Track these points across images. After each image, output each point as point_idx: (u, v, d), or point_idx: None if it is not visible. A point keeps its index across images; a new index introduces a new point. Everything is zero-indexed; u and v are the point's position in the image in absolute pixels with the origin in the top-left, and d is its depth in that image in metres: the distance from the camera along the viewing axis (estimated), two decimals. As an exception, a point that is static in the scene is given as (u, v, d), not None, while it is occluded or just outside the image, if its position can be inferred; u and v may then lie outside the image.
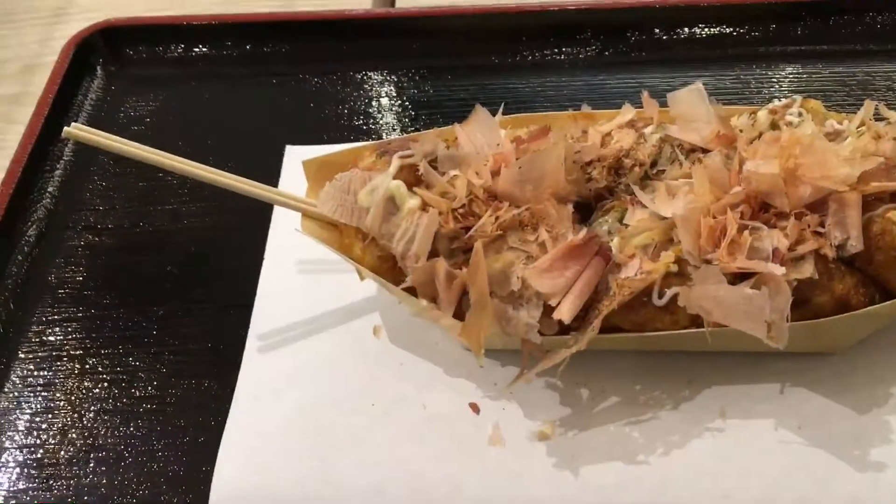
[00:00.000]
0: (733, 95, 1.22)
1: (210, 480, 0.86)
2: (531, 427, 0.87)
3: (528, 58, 1.31)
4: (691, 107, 0.95)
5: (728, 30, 1.29)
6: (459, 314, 0.85)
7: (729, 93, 1.22)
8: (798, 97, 0.96)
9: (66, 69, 1.26)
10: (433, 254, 0.86)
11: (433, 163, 0.91)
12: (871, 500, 0.80)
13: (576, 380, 0.90)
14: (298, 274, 1.04)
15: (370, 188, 0.88)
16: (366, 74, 1.31)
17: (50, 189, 1.17)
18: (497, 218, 0.86)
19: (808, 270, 0.80)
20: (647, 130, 0.95)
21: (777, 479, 0.82)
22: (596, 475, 0.84)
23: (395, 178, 0.89)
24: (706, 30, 1.30)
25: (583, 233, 0.84)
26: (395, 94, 1.29)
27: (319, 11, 1.38)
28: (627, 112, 0.98)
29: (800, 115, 0.93)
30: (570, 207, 0.88)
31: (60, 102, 1.24)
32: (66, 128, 0.93)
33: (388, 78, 1.31)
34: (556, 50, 1.31)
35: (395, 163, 0.89)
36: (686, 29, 1.29)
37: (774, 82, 1.23)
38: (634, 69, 1.27)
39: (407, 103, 1.27)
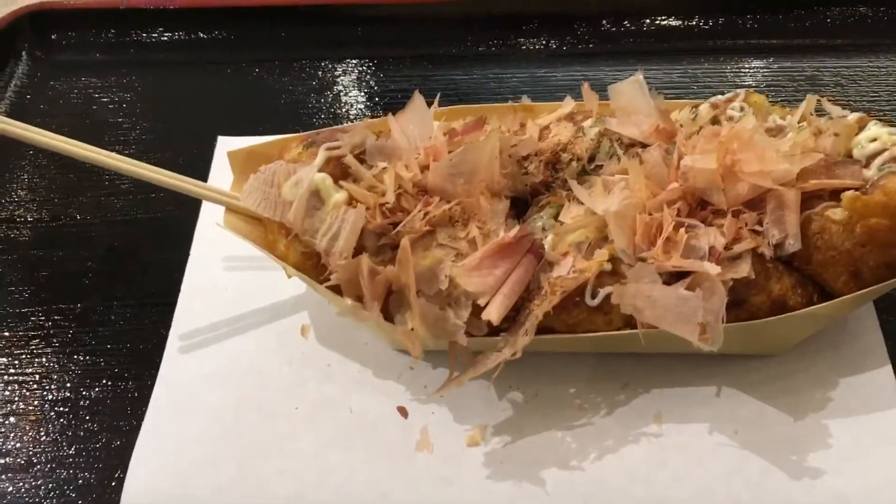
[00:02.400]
0: (681, 89, 1.19)
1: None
2: (461, 432, 0.84)
3: (473, 49, 1.27)
4: (632, 99, 0.92)
5: (676, 23, 1.27)
6: (386, 313, 0.81)
7: (677, 86, 1.20)
8: (742, 91, 0.93)
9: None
10: (359, 250, 0.82)
11: (362, 155, 0.87)
12: (807, 506, 0.78)
13: (508, 382, 0.87)
14: (225, 270, 0.99)
15: (294, 181, 0.84)
16: (305, 63, 1.27)
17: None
18: (426, 213, 0.82)
19: (744, 270, 0.77)
20: (587, 124, 0.92)
21: (712, 484, 0.79)
22: (527, 482, 0.80)
23: (321, 170, 0.84)
24: (655, 22, 1.27)
25: (514, 230, 0.80)
26: (335, 85, 1.24)
27: (259, -2, 1.33)
28: (567, 105, 0.95)
29: (742, 109, 0.90)
30: (506, 202, 0.84)
31: (-18, 89, 1.18)
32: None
33: (329, 67, 1.27)
34: (500, 41, 1.27)
35: (322, 155, 0.85)
36: (633, 21, 1.27)
37: (722, 76, 1.21)
38: (581, 61, 1.25)
39: (347, 93, 1.23)
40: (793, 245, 0.78)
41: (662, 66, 1.22)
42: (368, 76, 1.25)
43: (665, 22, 1.27)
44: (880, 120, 0.85)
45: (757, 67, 1.22)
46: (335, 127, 0.92)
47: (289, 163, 0.86)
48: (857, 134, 0.83)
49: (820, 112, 0.89)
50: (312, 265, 0.85)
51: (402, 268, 0.79)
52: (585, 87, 0.94)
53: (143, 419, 0.86)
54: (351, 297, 0.82)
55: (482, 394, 0.87)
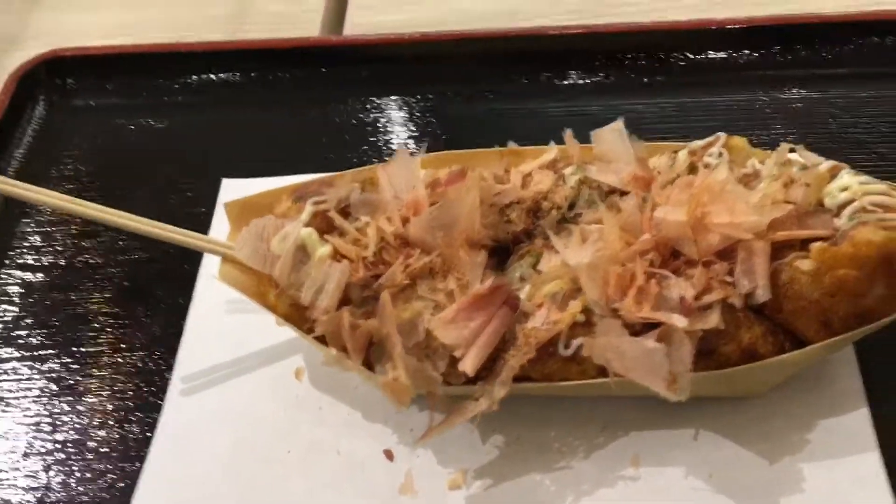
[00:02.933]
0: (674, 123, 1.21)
1: (125, 530, 0.87)
2: (444, 475, 0.87)
3: (477, 85, 1.30)
4: (613, 145, 0.94)
5: (676, 55, 1.28)
6: (368, 362, 0.85)
7: (671, 121, 1.21)
8: (722, 134, 0.95)
9: (9, 103, 1.26)
10: (345, 301, 0.86)
11: (348, 208, 0.91)
12: (779, 552, 0.80)
13: (492, 426, 0.90)
14: (227, 313, 1.03)
15: (282, 236, 0.88)
16: (313, 103, 1.30)
17: (-15, 227, 1.18)
18: (407, 266, 0.85)
19: (713, 321, 0.79)
20: (568, 171, 0.94)
21: (685, 529, 0.82)
22: (505, 525, 0.84)
23: (308, 224, 0.88)
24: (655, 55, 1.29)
25: (488, 282, 0.83)
26: (341, 125, 1.27)
27: (266, 40, 1.37)
28: (551, 151, 0.98)
29: (720, 155, 0.92)
30: (484, 254, 0.87)
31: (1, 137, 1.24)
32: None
33: (336, 108, 1.30)
34: (501, 78, 1.30)
35: (308, 210, 0.89)
36: (629, 55, 1.28)
37: (715, 110, 1.22)
38: (579, 96, 1.27)
39: (355, 134, 1.26)
40: (762, 295, 0.80)
41: (659, 99, 1.24)
42: (375, 115, 1.28)
43: (661, 54, 1.28)
44: (855, 167, 0.87)
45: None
46: (324, 177, 0.96)
47: (278, 217, 0.90)
48: (829, 183, 0.84)
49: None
50: (300, 315, 0.89)
51: (383, 321, 0.82)
52: (568, 133, 0.97)
53: (146, 461, 0.91)
54: (336, 347, 0.85)
55: (466, 437, 0.89)
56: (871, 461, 0.84)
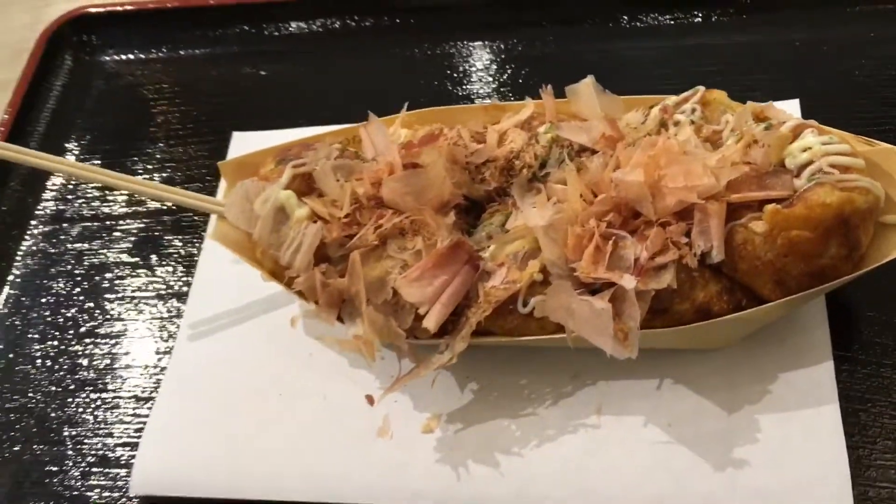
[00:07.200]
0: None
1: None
2: (418, 419, 0.93)
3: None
4: (588, 102, 0.96)
5: None
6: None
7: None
8: (701, 88, 0.94)
9: (38, 63, 1.33)
10: (325, 259, 0.92)
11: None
12: (726, 499, 0.83)
13: (466, 373, 0.95)
14: (232, 263, 1.08)
15: (264, 198, 0.93)
16: (333, 55, 1.33)
17: (13, 183, 1.27)
18: (378, 227, 0.90)
19: (665, 280, 0.81)
20: (541, 130, 0.96)
21: (638, 476, 0.86)
22: (471, 467, 0.89)
23: (287, 187, 0.93)
24: None
25: (448, 241, 0.86)
26: (354, 78, 1.30)
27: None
28: (527, 108, 0.99)
29: (693, 111, 0.92)
30: (453, 214, 0.90)
31: (32, 96, 1.32)
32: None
33: (348, 63, 1.32)
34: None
35: (288, 173, 0.93)
36: None
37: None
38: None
39: (365, 88, 1.28)
40: (717, 256, 0.82)
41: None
42: (397, 68, 1.30)
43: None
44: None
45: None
46: (307, 138, 1.00)
47: (261, 179, 0.95)
48: (791, 142, 0.84)
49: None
50: (283, 270, 0.95)
51: (352, 280, 0.87)
52: (546, 89, 0.98)
53: (154, 403, 1.00)
54: (314, 302, 0.91)
55: (442, 382, 0.95)
56: (830, 414, 0.86)
